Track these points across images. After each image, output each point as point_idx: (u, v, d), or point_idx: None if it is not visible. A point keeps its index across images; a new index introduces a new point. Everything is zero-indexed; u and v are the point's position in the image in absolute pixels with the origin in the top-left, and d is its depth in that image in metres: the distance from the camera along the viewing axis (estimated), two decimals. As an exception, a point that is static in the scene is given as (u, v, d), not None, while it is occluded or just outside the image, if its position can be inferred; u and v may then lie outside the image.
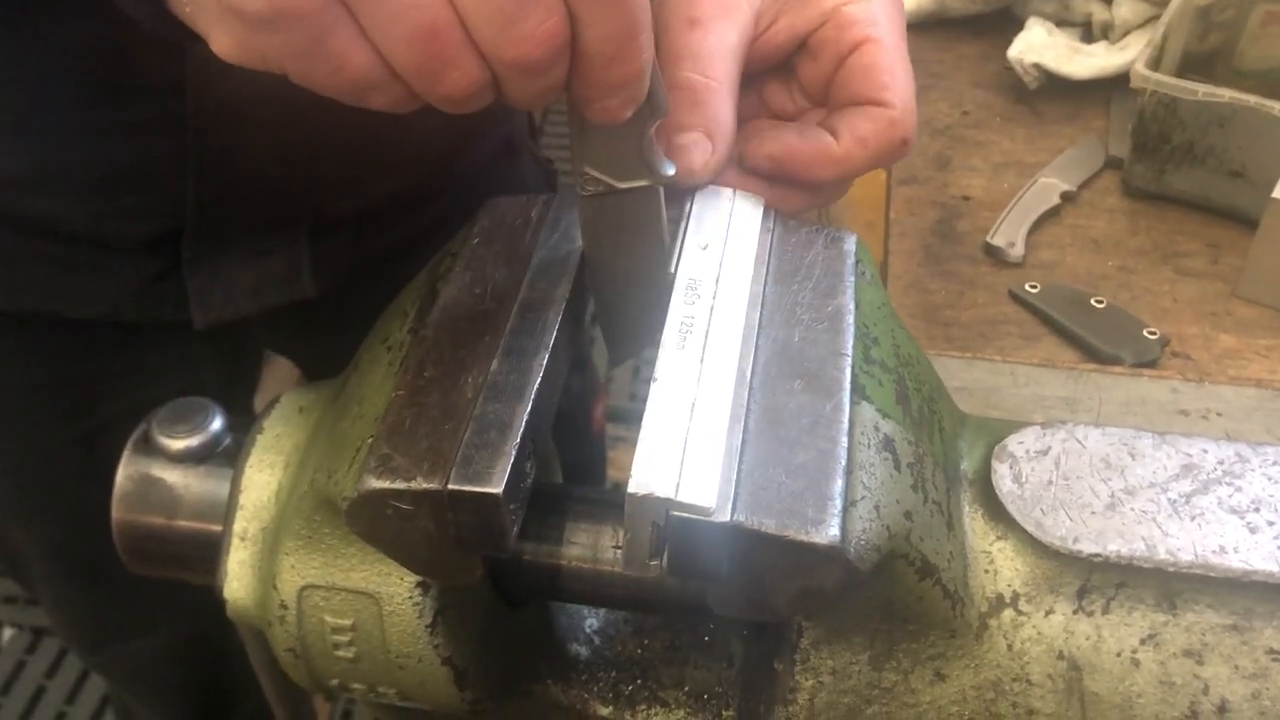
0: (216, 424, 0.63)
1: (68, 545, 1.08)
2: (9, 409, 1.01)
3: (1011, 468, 0.56)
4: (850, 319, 0.54)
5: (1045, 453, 0.56)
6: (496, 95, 0.46)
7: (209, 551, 0.62)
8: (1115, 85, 1.37)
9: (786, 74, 0.65)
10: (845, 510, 0.47)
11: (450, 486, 0.47)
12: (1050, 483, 0.55)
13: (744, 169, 0.60)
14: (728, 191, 0.59)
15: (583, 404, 1.30)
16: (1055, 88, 1.38)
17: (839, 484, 0.47)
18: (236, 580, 0.59)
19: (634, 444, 0.48)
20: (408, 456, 0.48)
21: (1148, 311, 1.12)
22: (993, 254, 1.18)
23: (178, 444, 0.62)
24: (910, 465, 0.52)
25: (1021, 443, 0.57)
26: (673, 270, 0.54)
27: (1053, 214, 1.23)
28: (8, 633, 2.22)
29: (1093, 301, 1.12)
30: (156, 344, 1.01)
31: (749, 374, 0.51)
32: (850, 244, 0.59)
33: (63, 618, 1.22)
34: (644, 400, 0.50)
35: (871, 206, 2.95)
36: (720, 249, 0.56)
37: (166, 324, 0.96)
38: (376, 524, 0.49)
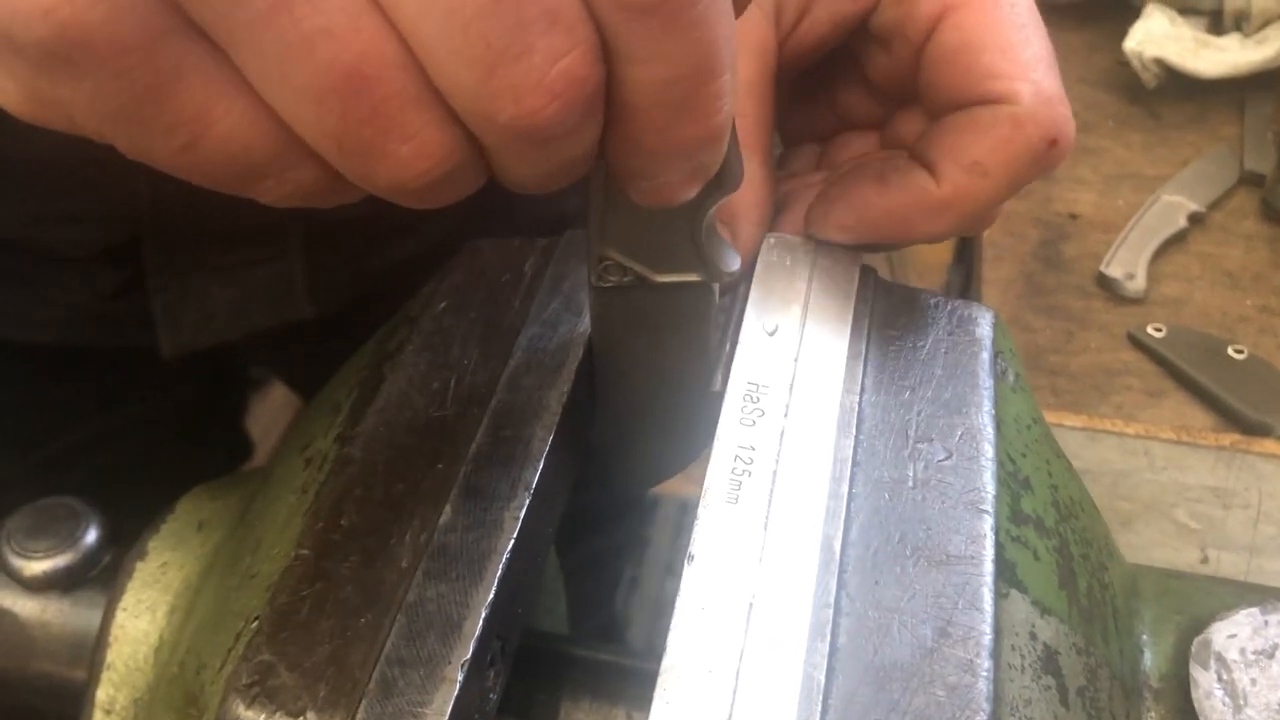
0: (90, 537, 0.46)
1: None
2: None
3: (1221, 679, 0.37)
4: (990, 450, 0.36)
5: (1270, 654, 0.38)
6: (484, 175, 0.27)
7: (72, 707, 0.45)
8: (1251, 86, 1.17)
9: (858, 68, 0.46)
10: (992, 797, 0.29)
11: (355, 736, 0.29)
12: (1284, 707, 0.37)
13: (816, 241, 0.41)
14: (804, 244, 0.41)
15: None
16: (1178, 87, 1.17)
17: (981, 747, 0.29)
18: (96, 770, 0.42)
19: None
20: (298, 670, 0.31)
21: (1297, 365, 0.92)
22: (1107, 287, 0.98)
23: (36, 566, 0.45)
24: (1081, 690, 0.34)
25: (1232, 636, 0.38)
26: (717, 386, 0.36)
27: (1178, 239, 1.03)
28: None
29: (1230, 351, 0.92)
30: (116, 365, 0.85)
31: (838, 547, 0.33)
32: (985, 327, 0.40)
33: None
34: (676, 582, 0.32)
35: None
36: (796, 334, 0.38)
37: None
38: (252, 765, 0.32)
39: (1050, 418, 0.76)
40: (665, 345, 0.37)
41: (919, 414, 0.37)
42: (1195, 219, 1.05)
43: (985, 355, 0.39)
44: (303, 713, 0.30)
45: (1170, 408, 0.90)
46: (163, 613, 0.43)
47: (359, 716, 0.30)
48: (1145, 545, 0.68)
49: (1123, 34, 1.19)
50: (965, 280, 1.31)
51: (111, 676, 0.43)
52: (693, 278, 0.34)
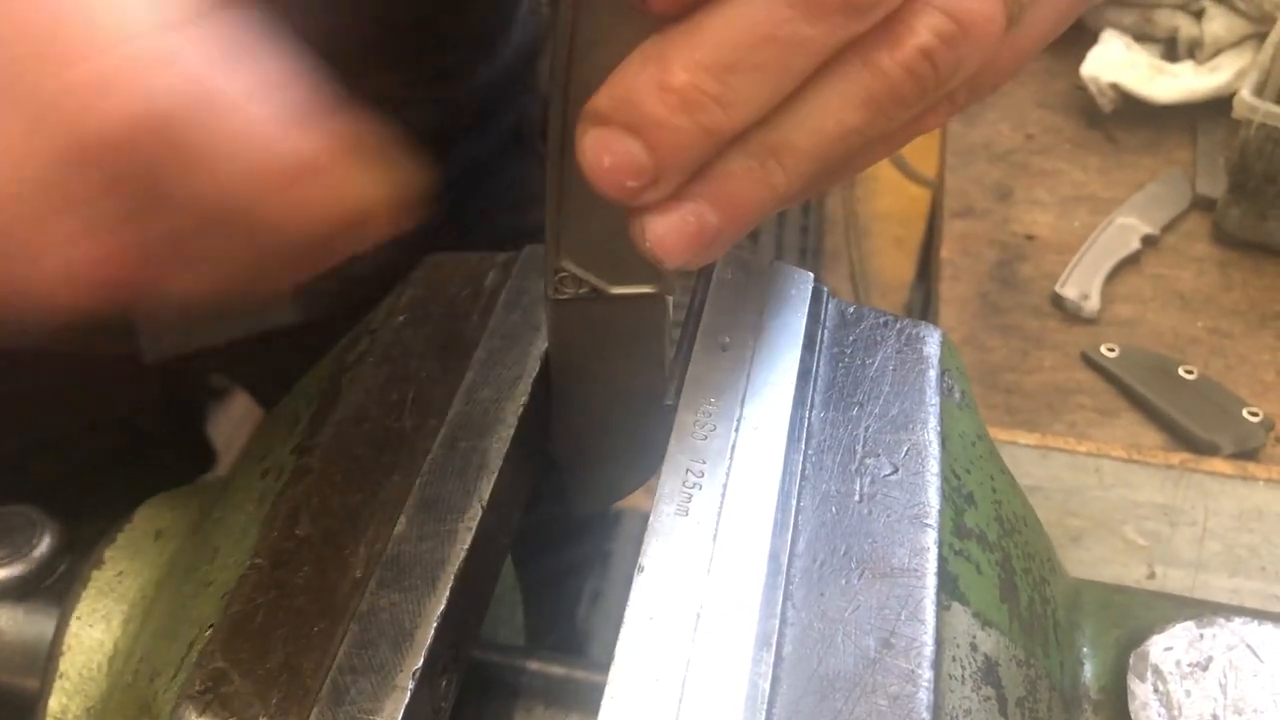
0: (44, 546, 0.45)
1: None
2: None
3: (1157, 690, 0.38)
4: (935, 465, 0.37)
5: (1204, 667, 0.39)
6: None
7: (24, 716, 0.45)
8: (1203, 112, 1.19)
9: None
10: (930, 804, 0.30)
11: (306, 743, 0.30)
12: (1216, 719, 0.38)
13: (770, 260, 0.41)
14: (758, 263, 0.42)
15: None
16: (1134, 112, 1.20)
17: (920, 755, 0.30)
18: (47, 779, 0.42)
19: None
20: (251, 678, 0.31)
21: (1246, 385, 0.94)
22: (1062, 307, 1.00)
23: (-11, 572, 0.45)
24: (1021, 701, 0.35)
25: (1169, 649, 0.39)
26: (670, 399, 0.37)
27: (1131, 261, 1.05)
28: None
29: (1181, 371, 0.94)
30: (68, 368, 0.85)
31: (785, 559, 0.34)
32: (932, 345, 0.41)
33: None
34: (625, 596, 0.32)
35: (903, 220, 2.76)
36: (749, 349, 0.39)
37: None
38: (204, 773, 0.32)
39: (1003, 435, 0.77)
40: (621, 358, 0.37)
41: (867, 430, 0.38)
42: (1148, 241, 1.07)
43: (933, 373, 0.40)
44: (255, 719, 0.30)
45: (1122, 426, 0.91)
46: (118, 622, 0.43)
47: (311, 722, 0.30)
48: (1094, 561, 0.69)
49: (1080, 59, 1.22)
50: (926, 298, 1.33)
51: (64, 685, 0.43)
52: (647, 289, 0.35)
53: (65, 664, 0.43)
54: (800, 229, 2.63)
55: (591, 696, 0.43)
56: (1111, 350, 0.96)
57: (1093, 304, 1.00)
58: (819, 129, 0.28)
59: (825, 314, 0.41)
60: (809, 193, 0.31)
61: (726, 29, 0.26)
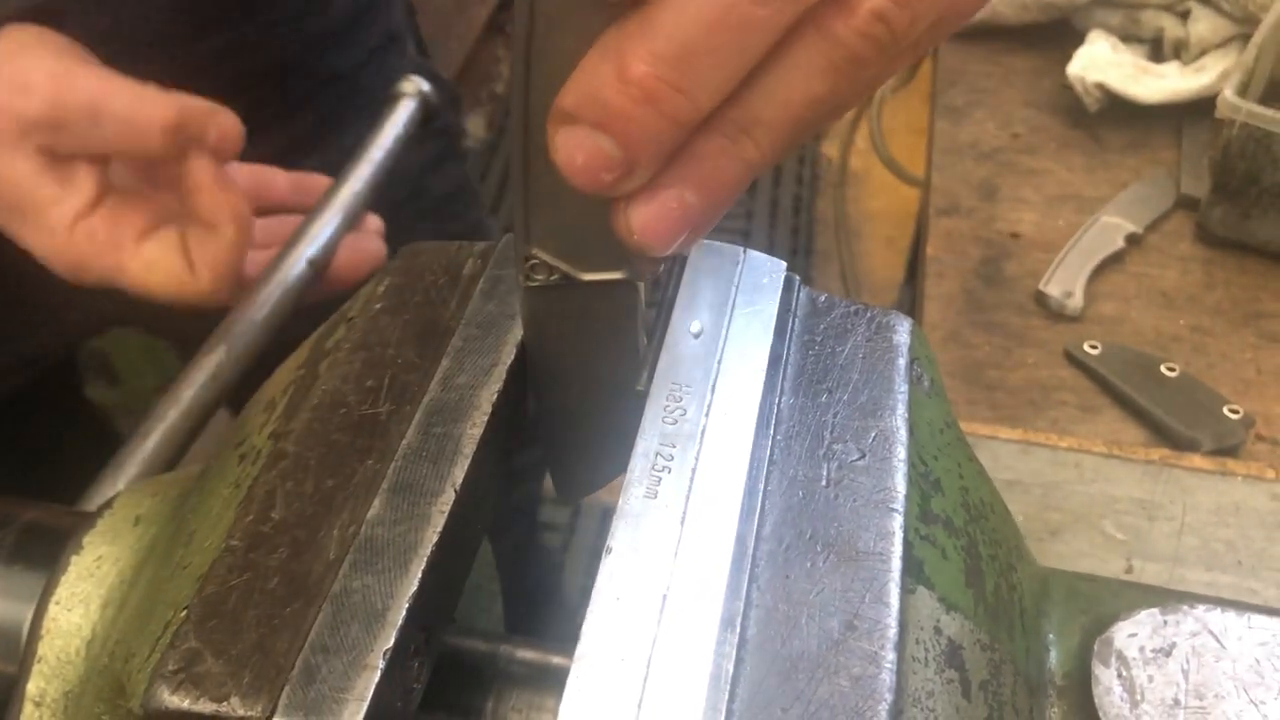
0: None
1: None
2: None
3: (1121, 676, 0.39)
4: (903, 451, 0.37)
5: (1167, 653, 0.40)
6: None
7: (1, 699, 0.45)
8: (1188, 112, 1.20)
9: None
10: (890, 781, 0.30)
11: (276, 720, 0.30)
12: (1178, 704, 0.38)
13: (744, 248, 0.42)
14: (733, 250, 0.43)
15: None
16: (1119, 111, 1.21)
17: (882, 734, 0.31)
18: (25, 762, 0.42)
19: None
20: (224, 658, 0.32)
21: (1227, 383, 0.95)
22: (1046, 304, 1.01)
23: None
24: (984, 684, 0.35)
25: (1133, 635, 0.40)
26: (642, 385, 0.38)
27: (1115, 259, 1.06)
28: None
29: (1163, 369, 0.95)
30: None
31: (751, 542, 0.34)
32: (902, 334, 0.42)
33: None
34: (592, 577, 0.33)
35: (894, 221, 2.76)
36: (719, 336, 0.39)
37: None
38: (177, 751, 0.32)
39: (986, 430, 0.78)
40: (595, 345, 0.38)
41: (835, 416, 0.38)
42: (1132, 240, 1.08)
43: (901, 361, 0.41)
44: (226, 698, 0.31)
45: (1104, 423, 0.92)
46: (96, 606, 0.43)
47: (281, 702, 0.30)
48: (1072, 555, 0.70)
49: (1067, 59, 1.22)
50: (914, 299, 1.34)
51: (42, 669, 0.43)
52: (617, 275, 0.35)
53: (44, 648, 0.43)
54: (791, 230, 2.64)
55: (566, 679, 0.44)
56: (1094, 347, 0.96)
57: (1076, 302, 1.00)
58: (786, 101, 0.29)
59: (796, 302, 0.42)
60: (783, 157, 0.32)
61: (679, 16, 0.27)
